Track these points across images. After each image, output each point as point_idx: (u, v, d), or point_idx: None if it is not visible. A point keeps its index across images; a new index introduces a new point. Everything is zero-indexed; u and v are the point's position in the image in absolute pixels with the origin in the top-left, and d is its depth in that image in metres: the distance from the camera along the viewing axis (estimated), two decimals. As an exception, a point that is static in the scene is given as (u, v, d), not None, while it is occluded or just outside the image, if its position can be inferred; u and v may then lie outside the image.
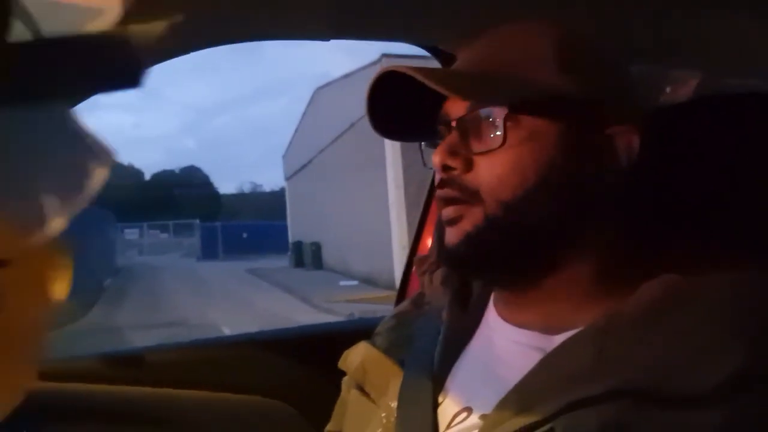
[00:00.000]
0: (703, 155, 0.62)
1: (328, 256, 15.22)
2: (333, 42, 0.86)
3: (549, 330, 0.54)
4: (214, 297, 10.88)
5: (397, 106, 0.58)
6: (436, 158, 0.55)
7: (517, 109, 0.52)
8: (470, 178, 0.54)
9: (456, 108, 0.56)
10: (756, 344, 0.46)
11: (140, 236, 25.24)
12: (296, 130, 18.32)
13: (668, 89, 0.99)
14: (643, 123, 0.55)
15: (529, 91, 0.53)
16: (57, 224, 0.34)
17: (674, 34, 0.84)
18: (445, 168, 0.55)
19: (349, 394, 0.69)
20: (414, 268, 1.20)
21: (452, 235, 0.55)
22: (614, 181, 0.54)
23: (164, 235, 27.22)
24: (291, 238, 18.85)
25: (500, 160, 0.52)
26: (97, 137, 0.35)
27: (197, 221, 25.14)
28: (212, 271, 17.03)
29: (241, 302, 9.94)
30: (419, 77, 0.51)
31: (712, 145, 0.63)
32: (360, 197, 11.92)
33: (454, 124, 0.55)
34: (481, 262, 0.55)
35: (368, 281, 11.64)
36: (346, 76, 12.45)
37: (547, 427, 0.45)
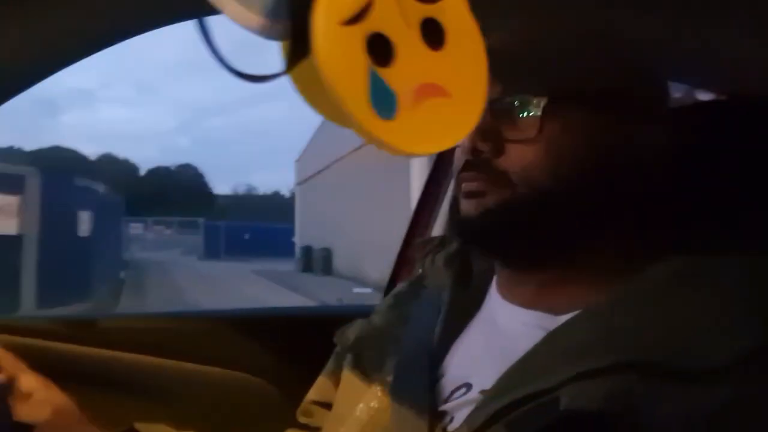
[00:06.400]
0: (718, 154, 0.62)
1: (339, 262, 15.26)
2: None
3: (554, 310, 0.53)
4: (224, 295, 10.92)
5: None
6: (464, 140, 0.52)
7: (556, 100, 0.51)
8: (500, 163, 0.52)
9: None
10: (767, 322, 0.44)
11: (144, 230, 25.01)
12: (313, 136, 18.39)
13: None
14: (663, 123, 0.55)
15: (572, 82, 0.52)
16: None
17: (685, 52, 0.80)
18: (474, 151, 0.52)
19: (341, 368, 0.67)
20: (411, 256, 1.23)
21: (471, 207, 0.53)
22: (634, 176, 0.53)
23: (168, 231, 26.99)
24: (299, 243, 18.89)
25: (533, 148, 0.51)
26: None
27: (202, 220, 25.01)
28: (217, 270, 16.93)
29: (258, 303, 9.95)
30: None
31: (728, 144, 0.64)
32: (379, 205, 11.99)
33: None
34: (495, 237, 0.54)
35: (382, 289, 11.63)
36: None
37: (553, 395, 0.44)
